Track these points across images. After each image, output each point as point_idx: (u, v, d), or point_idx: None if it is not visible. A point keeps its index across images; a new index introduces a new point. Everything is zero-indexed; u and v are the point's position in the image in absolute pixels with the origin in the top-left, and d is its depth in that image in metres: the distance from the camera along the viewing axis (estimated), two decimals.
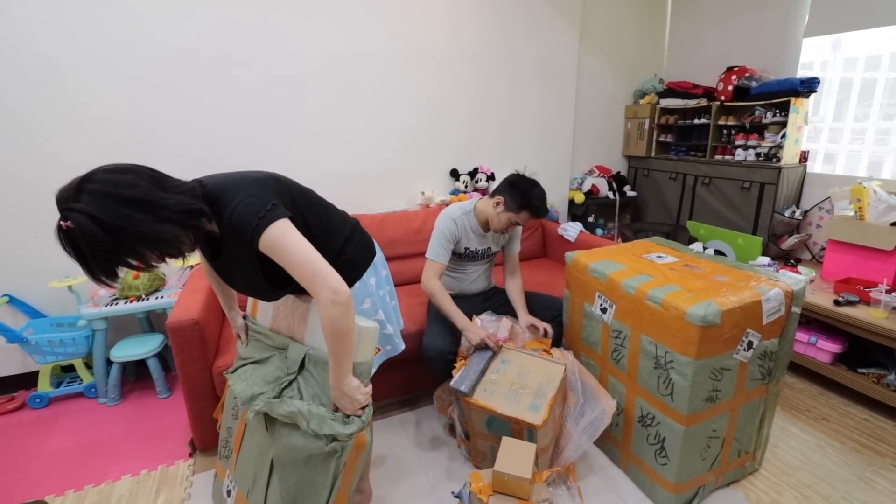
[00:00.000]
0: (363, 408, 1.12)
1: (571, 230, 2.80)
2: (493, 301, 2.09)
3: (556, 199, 3.45)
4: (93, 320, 2.17)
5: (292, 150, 2.59)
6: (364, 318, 1.18)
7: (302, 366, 1.25)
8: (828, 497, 1.63)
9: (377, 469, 1.75)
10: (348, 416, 1.11)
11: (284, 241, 1.00)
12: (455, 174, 3.02)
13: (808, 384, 2.31)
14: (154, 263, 0.94)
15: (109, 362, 2.23)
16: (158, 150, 2.31)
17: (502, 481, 1.27)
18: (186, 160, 2.37)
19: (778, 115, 2.85)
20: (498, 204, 1.85)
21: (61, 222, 0.83)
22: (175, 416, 2.10)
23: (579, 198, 3.41)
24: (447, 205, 2.79)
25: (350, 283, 1.29)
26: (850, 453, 1.85)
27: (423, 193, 2.89)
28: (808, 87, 2.76)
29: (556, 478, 1.58)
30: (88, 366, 2.30)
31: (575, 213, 3.47)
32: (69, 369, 2.39)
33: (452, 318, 1.80)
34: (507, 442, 1.38)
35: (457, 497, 1.45)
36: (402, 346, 1.49)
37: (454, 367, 1.69)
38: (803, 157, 2.97)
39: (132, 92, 2.22)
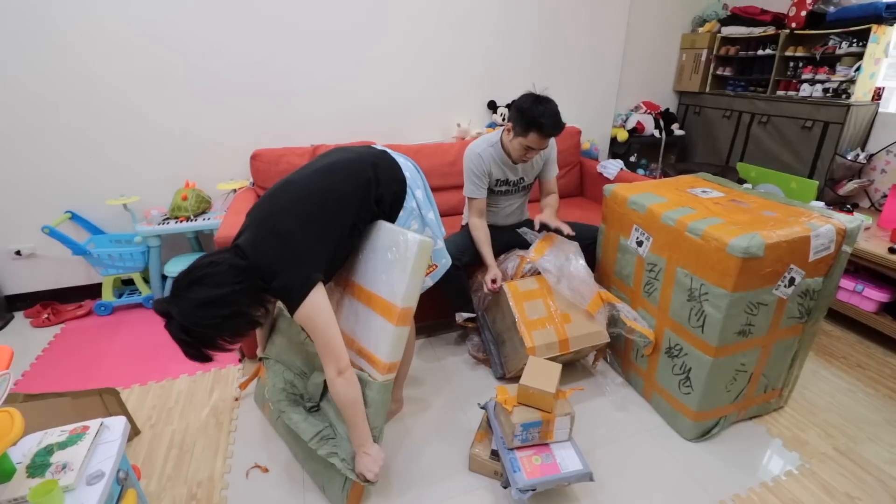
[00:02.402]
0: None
1: (612, 167, 2.71)
2: (521, 231, 2.08)
3: (598, 136, 3.31)
4: (147, 237, 2.32)
5: (329, 76, 2.56)
6: (417, 234, 1.25)
7: (323, 393, 1.45)
8: (853, 437, 1.64)
9: (409, 384, 1.86)
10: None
11: (310, 322, 1.18)
12: (493, 106, 2.93)
13: (846, 333, 2.25)
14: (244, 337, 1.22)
15: (164, 277, 2.41)
16: (198, 70, 2.34)
17: (527, 394, 1.33)
18: (223, 85, 2.40)
19: (855, 45, 2.57)
20: (509, 131, 1.80)
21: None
22: None
23: (622, 135, 3.26)
24: None
25: (395, 218, 1.40)
26: (882, 399, 1.82)
27: (458, 125, 2.83)
28: (894, 13, 2.46)
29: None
30: (146, 279, 2.49)
31: (616, 151, 3.33)
32: (128, 283, 2.60)
33: (484, 260, 1.90)
34: (533, 360, 1.43)
35: (482, 408, 1.54)
36: (451, 261, 1.58)
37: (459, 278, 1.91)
38: (877, 95, 2.70)
39: (177, 16, 2.22)
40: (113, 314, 2.45)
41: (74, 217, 2.39)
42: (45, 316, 2.36)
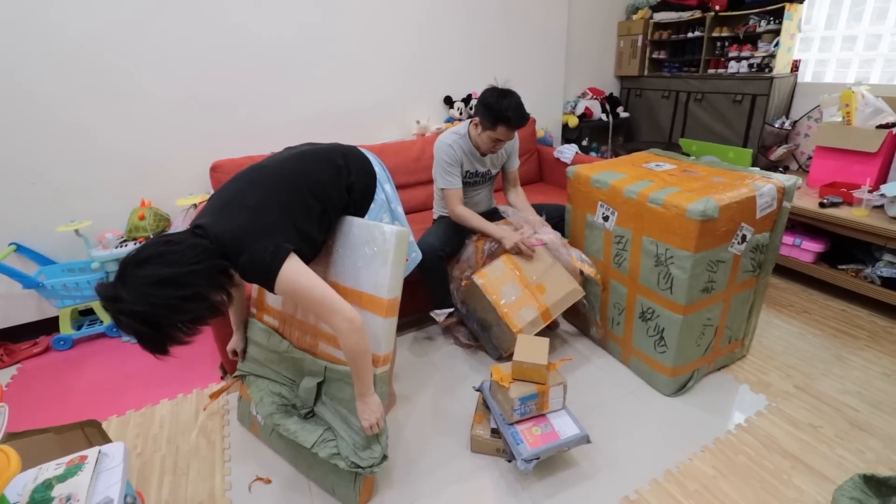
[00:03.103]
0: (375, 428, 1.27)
1: (568, 152, 2.83)
2: (493, 220, 2.15)
3: (550, 123, 3.45)
4: (105, 262, 2.20)
5: (284, 82, 2.53)
6: (391, 226, 1.26)
7: (318, 395, 1.41)
8: (808, 374, 1.82)
9: (397, 379, 1.89)
10: (368, 447, 1.28)
11: (295, 286, 1.11)
12: (449, 101, 2.99)
13: (791, 283, 2.48)
14: (202, 325, 1.08)
15: None
16: (146, 82, 2.24)
17: (521, 369, 1.40)
18: (175, 97, 2.31)
19: (772, 22, 2.83)
20: (477, 126, 1.87)
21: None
22: (201, 346, 2.17)
23: (573, 121, 3.41)
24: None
25: (366, 210, 1.40)
26: (828, 338, 2.03)
27: (418, 122, 2.87)
28: None
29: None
30: (107, 308, 2.36)
31: (568, 137, 3.48)
32: (86, 313, 2.46)
33: (489, 233, 1.92)
34: (522, 338, 1.50)
35: (478, 391, 1.59)
36: (421, 255, 1.59)
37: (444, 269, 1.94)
38: (795, 67, 2.98)
39: (118, 28, 2.12)
40: (74, 348, 2.31)
41: (20, 249, 2.23)
42: None
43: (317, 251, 1.34)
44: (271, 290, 1.11)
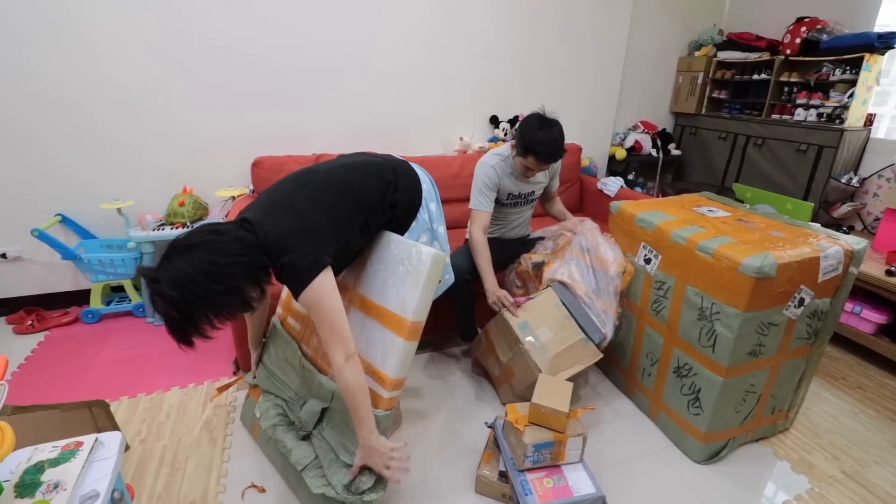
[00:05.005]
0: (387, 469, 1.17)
1: (612, 185, 2.73)
2: (526, 245, 2.08)
3: (597, 153, 3.35)
4: (141, 243, 2.25)
5: (332, 86, 2.54)
6: (429, 248, 1.23)
7: (317, 423, 1.35)
8: (859, 460, 1.63)
9: (408, 400, 1.82)
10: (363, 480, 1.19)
11: (318, 301, 1.11)
12: (495, 121, 2.94)
13: (845, 354, 2.27)
14: (229, 319, 1.07)
15: None
16: (202, 74, 2.30)
17: (539, 413, 1.30)
18: (226, 91, 2.36)
19: (848, 72, 2.65)
20: (514, 147, 1.83)
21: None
22: (220, 338, 2.15)
23: (621, 154, 3.29)
24: (485, 152, 2.75)
25: (407, 227, 1.39)
26: (884, 421, 1.83)
27: (461, 139, 2.83)
28: (885, 42, 2.54)
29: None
30: (137, 287, 2.41)
31: (615, 169, 3.36)
32: (117, 289, 2.52)
33: (482, 277, 1.81)
34: (543, 378, 1.40)
35: (490, 427, 1.50)
36: (454, 277, 1.54)
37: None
38: (868, 121, 2.78)
39: (180, 18, 2.19)
40: (101, 322, 2.36)
41: (65, 220, 2.31)
42: (29, 322, 2.26)
43: (350, 261, 1.34)
44: (297, 296, 1.11)
